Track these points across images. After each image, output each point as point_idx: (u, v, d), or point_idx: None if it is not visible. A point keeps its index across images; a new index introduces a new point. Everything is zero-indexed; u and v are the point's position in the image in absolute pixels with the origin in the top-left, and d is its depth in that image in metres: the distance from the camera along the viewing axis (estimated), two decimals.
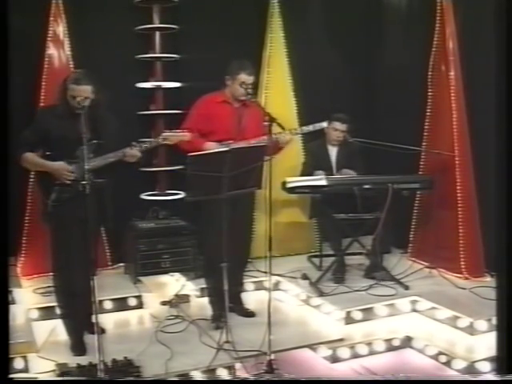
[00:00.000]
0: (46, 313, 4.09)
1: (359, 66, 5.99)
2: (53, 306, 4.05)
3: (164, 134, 3.74)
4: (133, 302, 4.35)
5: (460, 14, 4.83)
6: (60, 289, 3.75)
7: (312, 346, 3.91)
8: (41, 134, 3.59)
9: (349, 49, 5.93)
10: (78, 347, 3.67)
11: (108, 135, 3.60)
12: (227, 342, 3.66)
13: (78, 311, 3.74)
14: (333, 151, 5.05)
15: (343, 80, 5.90)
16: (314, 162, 4.98)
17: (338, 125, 4.92)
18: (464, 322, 3.95)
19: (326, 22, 5.95)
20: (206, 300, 4.43)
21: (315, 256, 5.22)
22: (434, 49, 4.95)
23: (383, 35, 5.96)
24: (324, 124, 4.32)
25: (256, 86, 5.24)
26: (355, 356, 3.86)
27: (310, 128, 4.30)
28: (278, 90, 5.41)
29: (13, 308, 3.92)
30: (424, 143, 5.09)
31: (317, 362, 3.81)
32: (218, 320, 3.95)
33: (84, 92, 3.50)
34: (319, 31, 5.92)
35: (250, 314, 4.29)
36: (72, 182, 3.54)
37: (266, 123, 3.52)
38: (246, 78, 4.00)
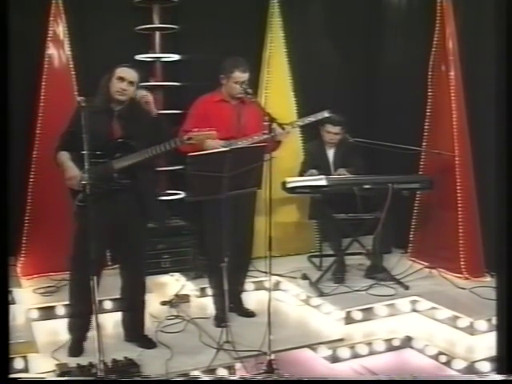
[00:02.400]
0: (46, 313, 4.08)
1: (359, 66, 5.99)
2: (53, 306, 4.06)
3: (190, 133, 3.59)
4: None
5: (460, 14, 4.83)
6: (75, 287, 3.69)
7: (312, 346, 3.91)
8: (77, 132, 3.33)
9: (349, 48, 5.93)
10: (76, 348, 3.65)
11: (141, 134, 3.52)
12: (227, 341, 3.65)
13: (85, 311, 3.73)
14: (330, 151, 5.04)
15: (343, 80, 5.90)
16: (313, 161, 4.98)
17: (330, 127, 4.87)
18: (464, 321, 3.95)
19: (326, 22, 5.95)
20: (206, 300, 4.44)
21: (315, 256, 5.21)
22: (433, 49, 4.95)
23: (383, 35, 5.96)
24: (325, 113, 4.24)
25: (256, 85, 5.26)
26: (355, 356, 3.87)
27: (312, 118, 4.25)
28: (278, 89, 5.40)
29: (13, 308, 3.91)
30: (424, 143, 5.09)
31: (317, 362, 3.81)
32: (221, 320, 3.95)
33: (133, 75, 3.51)
34: (319, 31, 5.93)
35: (250, 313, 4.28)
36: (99, 183, 3.39)
37: (265, 122, 3.52)
38: (240, 75, 3.98)
